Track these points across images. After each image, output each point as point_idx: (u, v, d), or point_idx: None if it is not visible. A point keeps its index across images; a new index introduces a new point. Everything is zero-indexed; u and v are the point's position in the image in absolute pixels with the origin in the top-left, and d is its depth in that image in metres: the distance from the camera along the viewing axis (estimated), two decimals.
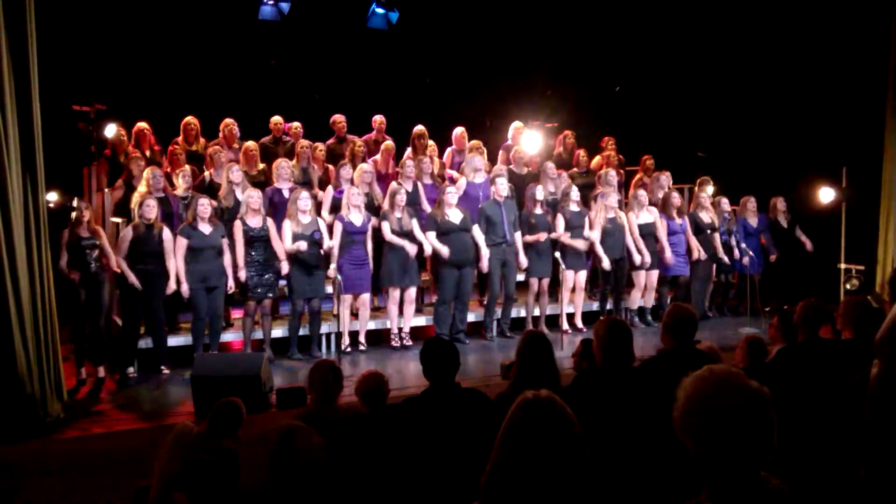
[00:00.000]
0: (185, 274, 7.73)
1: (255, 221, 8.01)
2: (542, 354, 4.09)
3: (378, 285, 8.81)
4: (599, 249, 9.18)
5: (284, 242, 8.02)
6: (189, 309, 8.01)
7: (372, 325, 8.75)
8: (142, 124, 9.27)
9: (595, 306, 9.77)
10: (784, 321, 5.08)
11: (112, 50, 10.12)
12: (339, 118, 10.38)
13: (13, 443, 5.75)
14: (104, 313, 7.56)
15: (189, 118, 9.51)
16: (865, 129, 10.19)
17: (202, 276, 7.75)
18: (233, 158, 9.15)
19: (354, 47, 11.67)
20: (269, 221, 8.12)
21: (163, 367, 7.73)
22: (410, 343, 8.64)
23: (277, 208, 8.56)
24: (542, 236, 8.92)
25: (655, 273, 9.62)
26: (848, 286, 9.94)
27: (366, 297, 8.46)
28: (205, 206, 7.81)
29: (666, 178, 10.21)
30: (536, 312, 9.28)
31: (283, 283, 8.30)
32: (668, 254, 9.56)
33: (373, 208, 8.75)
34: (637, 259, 9.37)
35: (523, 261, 8.95)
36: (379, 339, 8.91)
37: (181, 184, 8.40)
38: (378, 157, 9.75)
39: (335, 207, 8.70)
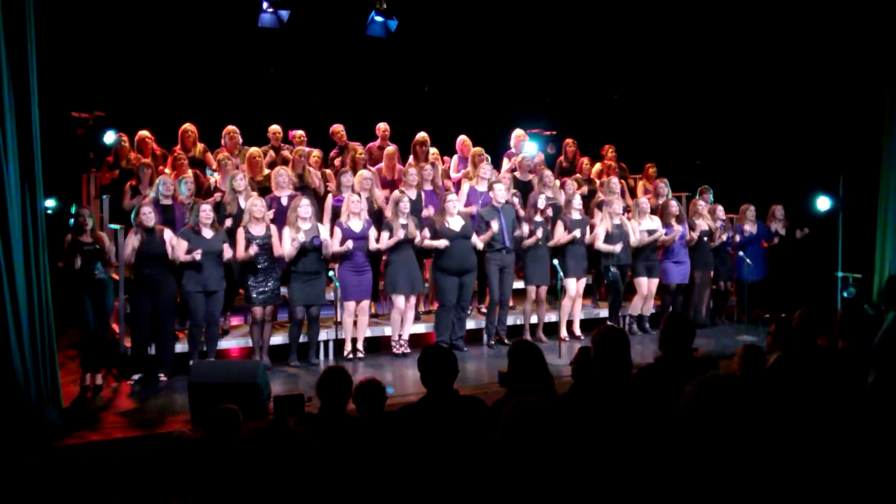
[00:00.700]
0: (185, 277, 7.75)
1: (257, 229, 8.03)
2: (533, 363, 4.07)
3: (377, 293, 8.83)
4: (604, 247, 9.22)
5: (284, 248, 8.03)
6: (185, 316, 8.01)
7: (369, 333, 8.76)
8: (143, 132, 9.32)
9: (595, 314, 9.78)
10: (781, 329, 5.08)
11: (111, 57, 10.15)
12: (338, 128, 10.40)
13: (11, 450, 5.74)
14: (109, 317, 7.56)
15: (187, 125, 9.54)
16: (863, 138, 10.22)
17: (201, 281, 7.75)
18: (237, 165, 9.18)
19: (353, 55, 11.69)
20: (273, 229, 8.13)
21: (161, 375, 7.72)
22: (409, 350, 8.64)
23: (276, 215, 8.57)
24: (539, 234, 8.96)
25: (656, 281, 9.65)
26: (845, 294, 9.95)
27: (365, 304, 8.46)
28: (206, 212, 7.84)
29: (664, 186, 10.26)
30: (534, 320, 9.30)
31: (284, 290, 8.32)
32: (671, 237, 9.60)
33: (374, 214, 8.77)
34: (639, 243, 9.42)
35: (525, 230, 8.94)
36: (377, 346, 8.91)
37: (184, 191, 8.42)
38: (382, 164, 9.77)
39: (335, 215, 8.73)
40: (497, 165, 10.34)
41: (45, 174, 6.45)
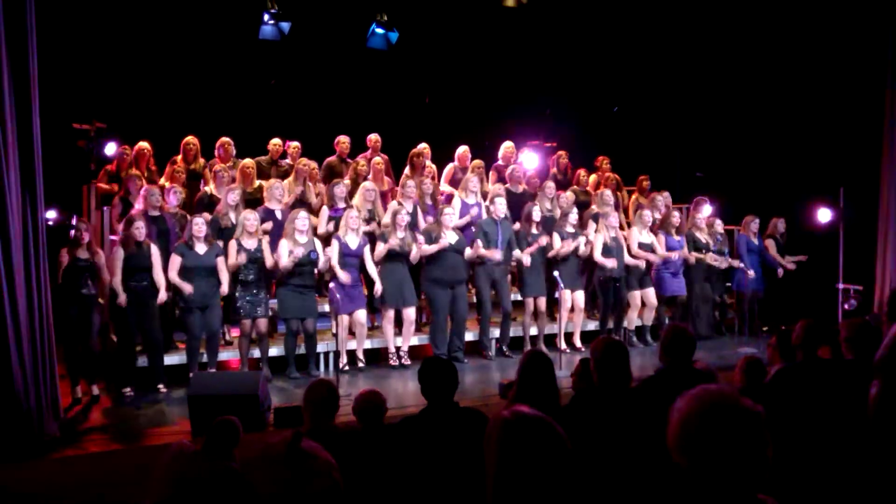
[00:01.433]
0: (178, 293, 7.74)
1: (250, 243, 8.02)
2: (543, 374, 4.07)
3: (374, 305, 8.83)
4: (602, 259, 9.23)
5: (280, 259, 8.02)
6: (184, 328, 8.00)
7: (369, 344, 8.74)
8: (143, 144, 9.33)
9: (594, 325, 9.77)
10: (782, 341, 5.07)
11: (113, 68, 10.17)
12: (343, 139, 10.39)
13: (10, 462, 5.72)
14: (95, 332, 7.51)
15: (189, 138, 9.55)
16: (863, 150, 10.23)
17: (194, 297, 7.73)
18: (233, 177, 9.18)
19: (354, 67, 11.72)
20: (265, 243, 8.13)
21: (160, 386, 7.70)
22: (408, 362, 8.62)
23: (271, 228, 8.57)
24: (543, 240, 8.98)
25: (651, 291, 9.65)
26: (846, 306, 9.94)
27: (361, 314, 8.45)
28: (200, 225, 7.82)
29: (664, 199, 10.28)
30: (534, 331, 9.28)
31: (273, 302, 8.31)
32: (668, 255, 9.63)
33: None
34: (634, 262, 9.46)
35: (526, 258, 8.94)
36: (377, 357, 8.89)
37: (173, 200, 8.43)
38: (371, 175, 9.74)
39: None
40: (486, 176, 10.35)
41: (45, 185, 6.45)
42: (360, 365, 8.49)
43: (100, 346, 7.65)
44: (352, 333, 8.54)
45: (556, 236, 9.18)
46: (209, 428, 4.29)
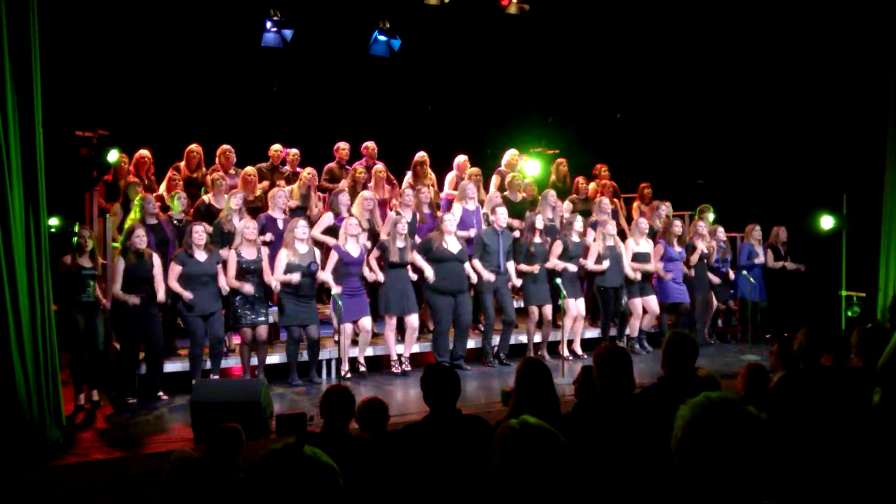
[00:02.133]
0: (180, 302, 7.73)
1: (249, 253, 8.02)
2: (541, 381, 4.06)
3: (377, 312, 8.83)
4: (591, 265, 9.24)
5: (277, 271, 8.02)
6: (186, 335, 7.99)
7: (370, 352, 8.74)
8: (143, 152, 9.34)
9: (596, 333, 9.77)
10: (785, 348, 5.07)
11: (115, 76, 10.20)
12: (343, 145, 10.40)
13: (12, 469, 5.72)
14: (100, 340, 7.52)
15: (193, 146, 9.57)
16: (866, 157, 10.23)
17: (195, 305, 7.72)
18: (232, 185, 9.18)
19: (357, 74, 11.74)
20: (264, 252, 8.13)
21: (161, 393, 7.69)
22: (410, 369, 8.62)
23: (272, 236, 8.59)
24: (536, 269, 9.01)
25: (653, 299, 9.65)
26: (849, 313, 9.93)
27: (366, 320, 8.45)
28: (199, 233, 7.80)
29: (665, 208, 10.29)
30: (537, 339, 9.28)
31: (273, 309, 8.31)
32: (664, 275, 9.65)
33: (374, 235, 8.78)
34: (633, 275, 9.47)
35: (516, 282, 9.04)
36: (378, 364, 8.89)
37: (177, 205, 8.43)
38: (372, 183, 9.76)
39: (329, 231, 8.73)
40: (487, 182, 10.36)
41: (48, 192, 6.46)
42: (362, 369, 8.48)
43: (104, 353, 7.64)
44: (353, 341, 8.54)
45: (557, 245, 9.18)
46: (211, 435, 4.29)
